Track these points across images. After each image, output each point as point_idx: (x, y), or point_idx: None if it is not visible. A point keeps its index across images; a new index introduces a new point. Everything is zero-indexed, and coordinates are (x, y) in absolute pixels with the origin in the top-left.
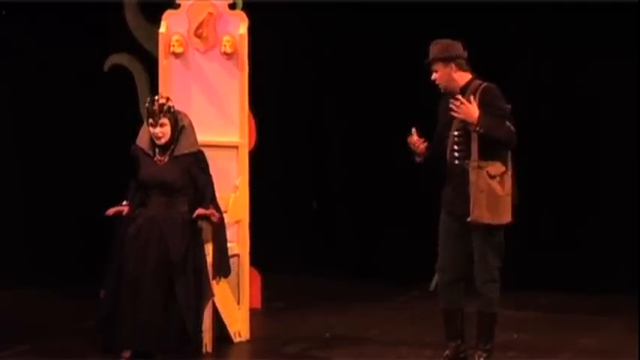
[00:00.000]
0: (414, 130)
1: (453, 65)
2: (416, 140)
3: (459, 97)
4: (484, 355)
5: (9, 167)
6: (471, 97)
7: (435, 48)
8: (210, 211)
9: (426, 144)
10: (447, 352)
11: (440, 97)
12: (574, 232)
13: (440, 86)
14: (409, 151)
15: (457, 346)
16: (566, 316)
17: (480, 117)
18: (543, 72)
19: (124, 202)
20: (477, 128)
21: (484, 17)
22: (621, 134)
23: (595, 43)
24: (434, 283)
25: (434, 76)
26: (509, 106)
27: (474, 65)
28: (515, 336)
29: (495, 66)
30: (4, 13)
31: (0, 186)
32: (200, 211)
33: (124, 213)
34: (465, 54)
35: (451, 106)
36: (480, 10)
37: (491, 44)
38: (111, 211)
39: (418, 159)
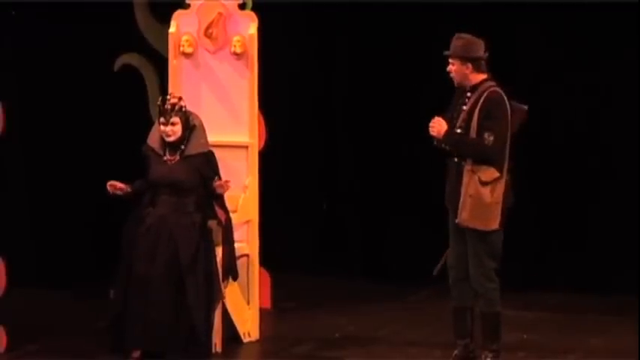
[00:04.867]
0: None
1: (470, 65)
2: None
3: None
4: (491, 355)
5: (18, 167)
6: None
7: (456, 43)
8: (226, 182)
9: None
10: (455, 351)
11: (451, 92)
12: (583, 231)
13: (453, 80)
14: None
15: (466, 345)
16: (575, 316)
17: (445, 134)
18: (544, 72)
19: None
20: (443, 145)
21: (488, 17)
22: (626, 132)
23: (595, 42)
24: (438, 267)
25: (450, 68)
26: (525, 107)
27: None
28: (525, 336)
29: (497, 66)
30: (13, 13)
31: (9, 186)
32: (218, 182)
33: (118, 187)
34: (485, 55)
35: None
36: (483, 10)
37: (493, 44)
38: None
39: (437, 143)
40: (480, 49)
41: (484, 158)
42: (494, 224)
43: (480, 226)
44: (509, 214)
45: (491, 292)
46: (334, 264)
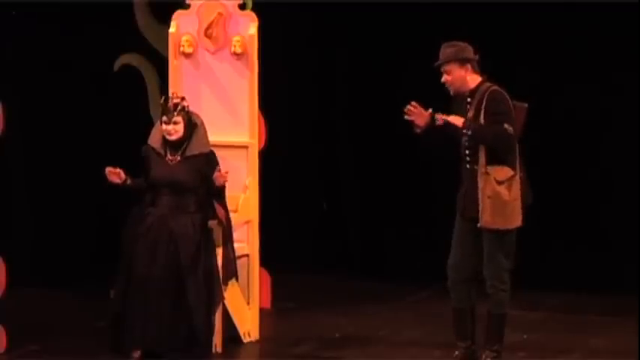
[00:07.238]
0: (413, 103)
1: (469, 67)
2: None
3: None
4: (492, 355)
5: (18, 167)
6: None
7: (449, 50)
8: (223, 175)
9: (428, 112)
10: (456, 352)
11: (450, 98)
12: (584, 231)
13: (451, 88)
14: (409, 124)
15: (467, 346)
16: (576, 316)
17: (465, 120)
18: (545, 72)
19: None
20: (465, 130)
21: (487, 17)
22: (626, 132)
23: (595, 42)
24: None
25: (446, 77)
26: (525, 105)
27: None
28: (525, 336)
29: (499, 66)
30: (14, 13)
31: (10, 186)
32: (217, 174)
33: (115, 172)
34: (477, 57)
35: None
36: (482, 10)
37: (494, 44)
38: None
39: (418, 130)
40: (471, 51)
41: (504, 145)
42: (517, 222)
43: (502, 226)
44: (529, 211)
45: (501, 293)
46: (334, 264)
